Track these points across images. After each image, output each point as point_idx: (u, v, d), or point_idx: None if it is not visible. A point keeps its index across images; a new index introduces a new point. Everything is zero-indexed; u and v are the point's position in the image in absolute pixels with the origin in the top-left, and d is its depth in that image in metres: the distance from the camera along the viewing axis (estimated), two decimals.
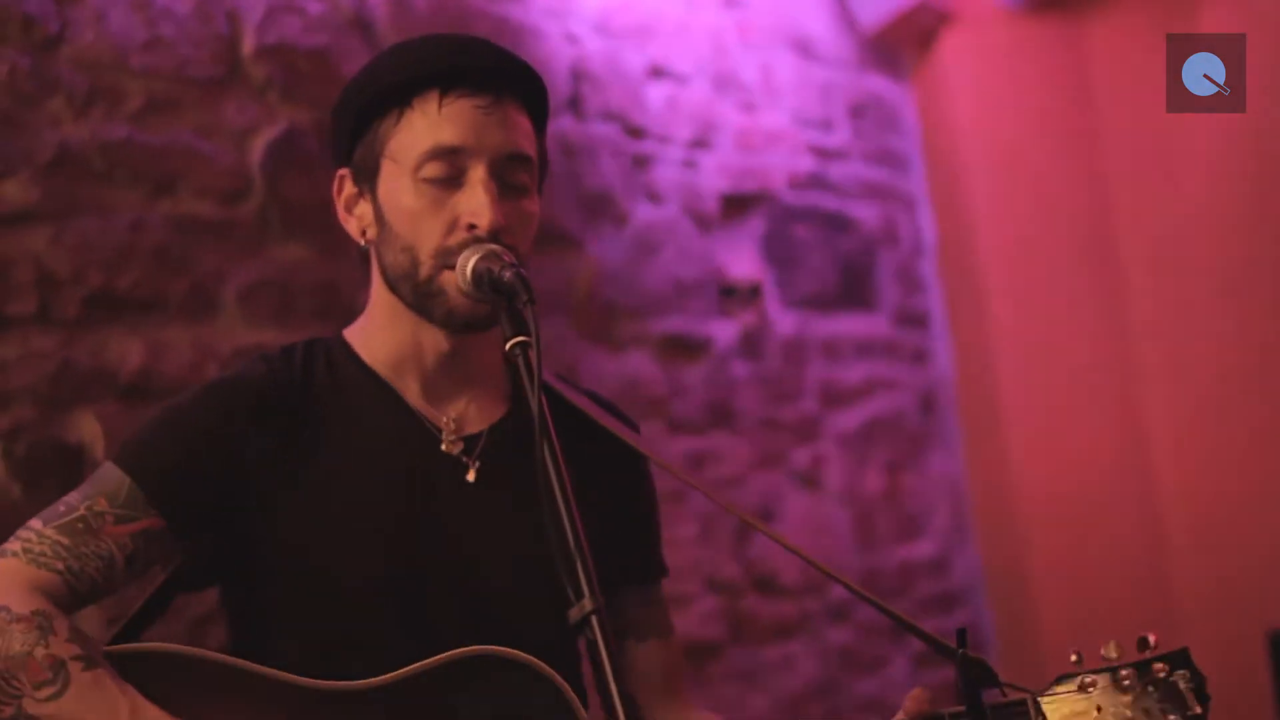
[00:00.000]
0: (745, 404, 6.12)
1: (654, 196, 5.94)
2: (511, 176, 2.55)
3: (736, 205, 6.27)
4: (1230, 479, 6.68)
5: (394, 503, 2.55)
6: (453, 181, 2.51)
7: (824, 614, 6.27)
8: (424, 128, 2.51)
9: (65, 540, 2.40)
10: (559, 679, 2.44)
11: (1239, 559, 6.47)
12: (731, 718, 3.63)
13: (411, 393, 2.63)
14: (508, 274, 2.35)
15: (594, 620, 2.08)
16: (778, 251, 6.41)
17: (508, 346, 2.29)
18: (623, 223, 5.77)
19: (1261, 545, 6.43)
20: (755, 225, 6.34)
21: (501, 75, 2.57)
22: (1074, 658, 2.54)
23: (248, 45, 4.69)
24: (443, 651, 2.43)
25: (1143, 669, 2.52)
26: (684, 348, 5.90)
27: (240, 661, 2.42)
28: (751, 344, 6.21)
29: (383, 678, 2.39)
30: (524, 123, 2.60)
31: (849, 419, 6.59)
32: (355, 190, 2.65)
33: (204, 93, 4.58)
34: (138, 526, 2.44)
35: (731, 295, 6.16)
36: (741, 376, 6.14)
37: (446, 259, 2.50)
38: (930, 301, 7.11)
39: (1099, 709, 2.51)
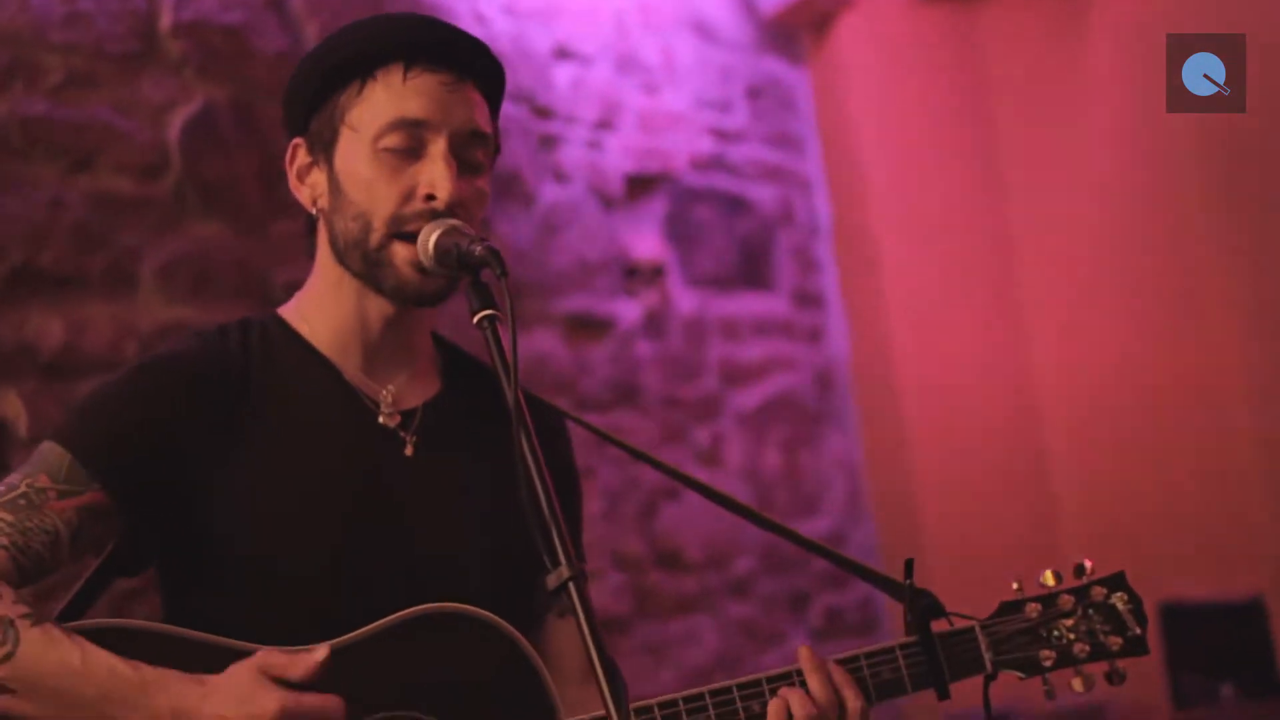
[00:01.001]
0: (649, 382, 6.18)
1: (560, 176, 5.99)
2: (468, 154, 2.57)
3: (640, 186, 6.34)
4: (1121, 451, 6.84)
5: (333, 476, 2.55)
6: (412, 153, 2.52)
7: (725, 589, 6.35)
8: (387, 99, 2.52)
9: (9, 517, 2.38)
10: (515, 632, 2.47)
11: (1129, 542, 6.62)
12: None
13: (351, 367, 2.63)
14: (478, 248, 2.36)
15: (571, 586, 2.10)
16: (679, 232, 6.48)
17: (476, 320, 2.28)
18: (530, 202, 5.82)
19: (1149, 524, 6.59)
20: (658, 206, 6.41)
21: (464, 54, 2.59)
22: (1015, 585, 2.63)
23: (165, 21, 4.70)
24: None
25: (1081, 593, 2.62)
26: (589, 327, 5.96)
27: (188, 631, 2.41)
28: (654, 323, 6.28)
29: (336, 640, 2.39)
30: (482, 102, 2.62)
31: (748, 398, 6.67)
32: (309, 159, 2.63)
33: (122, 69, 4.58)
34: (81, 501, 2.42)
35: (635, 275, 6.23)
36: (645, 355, 6.20)
37: (399, 227, 2.51)
38: (826, 282, 7.20)
39: (1041, 634, 2.60)
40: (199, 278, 4.66)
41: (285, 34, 4.96)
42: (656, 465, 2.81)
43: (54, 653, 2.28)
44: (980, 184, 7.29)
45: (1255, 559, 6.26)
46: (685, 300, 6.43)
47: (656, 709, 2.42)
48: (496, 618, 2.45)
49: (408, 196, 2.51)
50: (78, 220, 4.39)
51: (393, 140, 2.51)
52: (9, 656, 2.27)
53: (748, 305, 6.77)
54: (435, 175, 2.50)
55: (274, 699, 2.25)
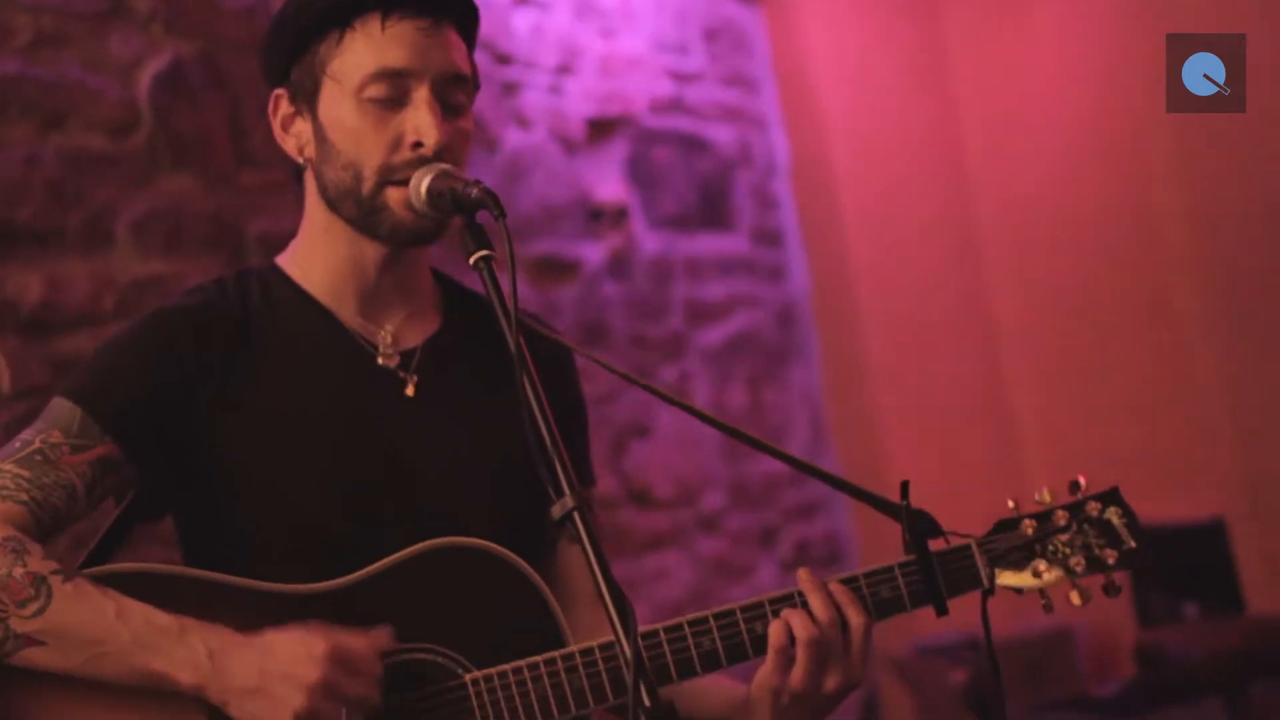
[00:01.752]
0: (616, 323, 6.25)
1: (523, 122, 6.04)
2: (450, 96, 2.59)
3: (601, 129, 6.39)
4: (1080, 377, 6.94)
5: (336, 419, 2.59)
6: (396, 102, 2.53)
7: (696, 525, 6.44)
8: (367, 49, 2.54)
9: (26, 473, 2.42)
10: (522, 563, 2.51)
11: (1091, 466, 6.71)
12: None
13: (348, 311, 2.66)
14: (474, 190, 2.39)
15: (576, 515, 2.15)
16: (640, 174, 6.54)
17: (472, 260, 2.33)
18: (494, 149, 5.87)
19: (1110, 448, 6.70)
20: (619, 149, 6.47)
21: None
22: (1011, 504, 2.66)
23: None
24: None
25: (1076, 509, 2.65)
26: (556, 269, 6.02)
27: (206, 573, 2.46)
28: (619, 264, 6.34)
29: (354, 575, 2.46)
30: (460, 43, 2.64)
31: (713, 335, 6.74)
32: (292, 109, 2.64)
33: (90, 26, 4.60)
34: (94, 454, 2.46)
35: (599, 218, 6.29)
36: (611, 296, 6.27)
37: (390, 175, 2.53)
38: (785, 220, 7.27)
39: (1037, 550, 2.63)
40: (173, 231, 4.70)
41: None
42: (668, 399, 2.84)
43: (87, 605, 2.33)
44: (937, 113, 7.38)
45: (1216, 481, 6.38)
46: (649, 241, 6.50)
47: (662, 633, 2.48)
48: (503, 550, 2.50)
49: (395, 145, 2.53)
50: (52, 178, 4.43)
51: (376, 90, 2.53)
52: (42, 610, 2.31)
53: (709, 245, 6.84)
54: (421, 123, 2.52)
55: (316, 666, 2.30)
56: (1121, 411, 6.72)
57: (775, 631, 2.47)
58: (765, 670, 2.49)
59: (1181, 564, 6.28)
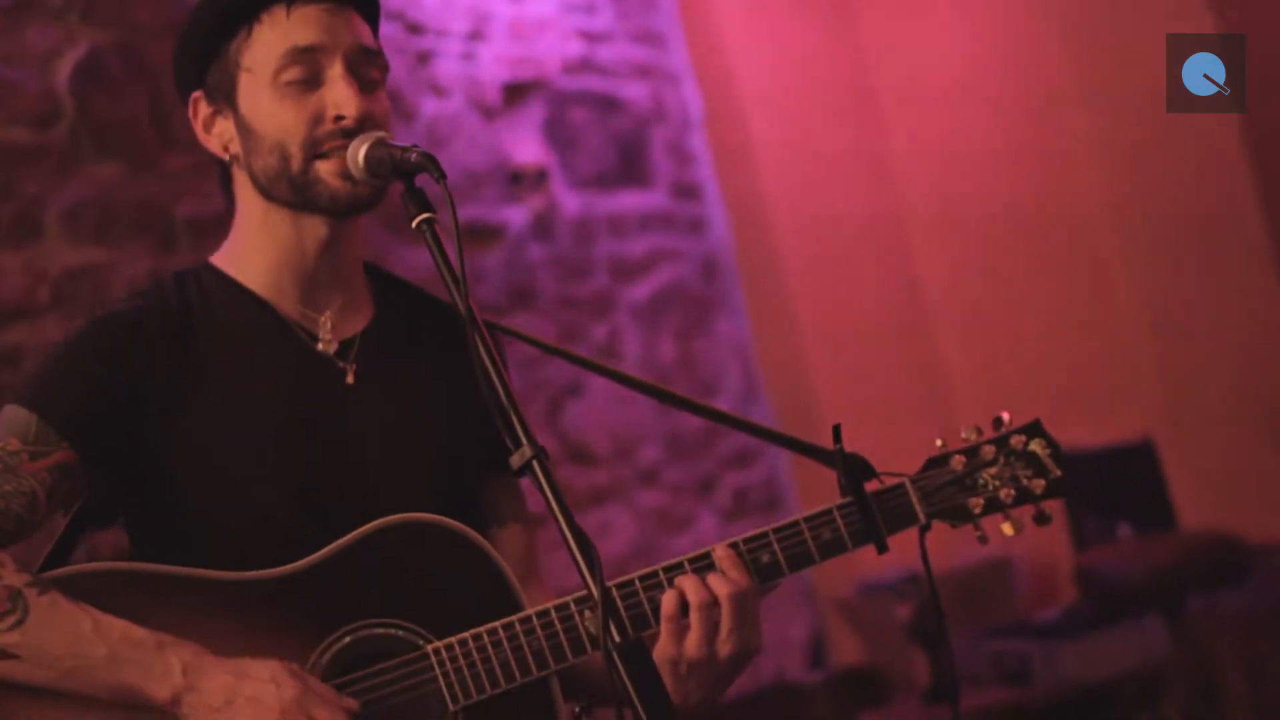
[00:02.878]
0: (543, 284, 6.30)
1: (439, 90, 6.07)
2: (364, 71, 2.62)
3: (516, 93, 6.43)
4: (1004, 309, 7.03)
5: (280, 409, 2.63)
6: (312, 81, 2.57)
7: (635, 479, 6.51)
8: (276, 36, 2.57)
9: None
10: (473, 533, 2.57)
11: (1019, 399, 6.82)
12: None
13: (288, 301, 2.68)
14: (413, 155, 2.41)
15: (536, 464, 2.21)
16: (558, 135, 6.59)
17: (415, 223, 2.36)
18: (411, 118, 5.91)
19: (1037, 378, 6.80)
20: (535, 111, 6.51)
21: None
22: (939, 442, 2.73)
23: None
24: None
25: (1002, 443, 2.73)
26: (481, 234, 6.07)
27: (168, 567, 2.50)
28: (543, 226, 6.39)
29: (310, 558, 2.50)
30: (364, 23, 2.67)
31: (639, 291, 6.80)
32: (211, 109, 2.66)
33: (5, 20, 4.61)
34: (52, 460, 2.49)
35: (520, 181, 6.33)
36: (537, 258, 6.32)
37: (316, 149, 2.56)
38: (702, 173, 7.32)
39: (968, 484, 2.70)
40: (102, 219, 4.73)
41: None
42: (599, 369, 2.89)
43: (64, 620, 2.36)
44: (846, 57, 7.43)
45: (1142, 401, 6.48)
46: (570, 201, 6.55)
47: (638, 582, 2.56)
48: (454, 522, 2.56)
49: (317, 120, 2.56)
50: None
51: (291, 73, 2.56)
52: (19, 624, 2.34)
53: (630, 202, 6.89)
54: (340, 96, 2.56)
55: (292, 685, 2.36)
56: (1046, 345, 6.82)
57: (667, 601, 2.53)
58: (661, 641, 2.53)
59: (1113, 486, 6.39)
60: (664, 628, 2.52)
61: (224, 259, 2.73)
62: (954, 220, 7.24)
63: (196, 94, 2.67)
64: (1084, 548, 6.43)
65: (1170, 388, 6.42)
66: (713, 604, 2.52)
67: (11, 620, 2.34)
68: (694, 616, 2.51)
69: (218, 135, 2.67)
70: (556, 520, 2.20)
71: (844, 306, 7.21)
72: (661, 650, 2.52)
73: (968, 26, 7.06)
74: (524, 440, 2.24)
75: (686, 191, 7.23)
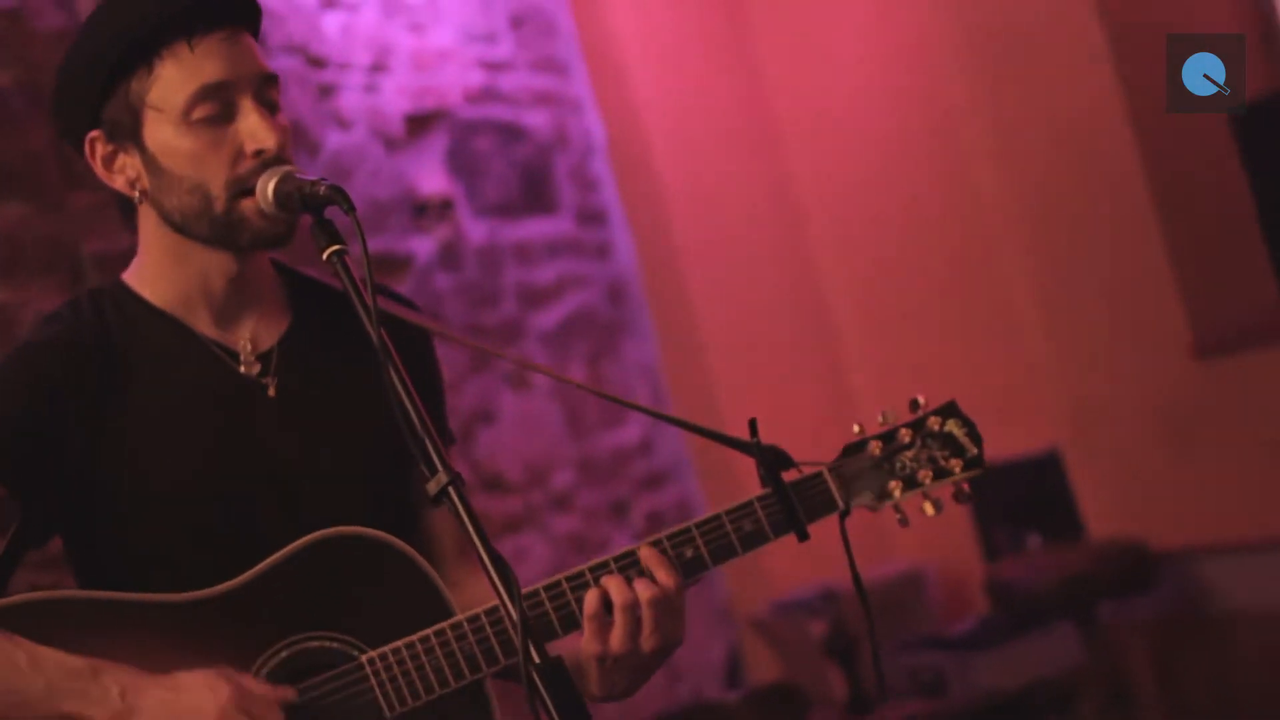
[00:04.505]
0: (451, 313, 6.31)
1: (342, 123, 6.08)
2: (267, 96, 2.62)
3: (419, 124, 6.45)
4: (906, 323, 7.10)
5: (204, 431, 2.63)
6: (223, 116, 2.56)
7: (548, 505, 6.53)
8: (182, 73, 2.55)
9: None
10: (402, 544, 2.60)
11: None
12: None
13: (203, 323, 2.68)
14: (321, 188, 2.43)
15: (452, 490, 2.23)
16: (462, 164, 6.61)
17: (325, 255, 2.37)
18: (315, 151, 5.91)
19: (943, 394, 6.86)
20: (438, 141, 6.53)
21: (230, 6, 2.63)
22: (856, 429, 2.78)
23: None
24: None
25: (918, 425, 2.79)
26: (387, 265, 6.07)
27: (101, 593, 2.52)
28: (449, 255, 6.40)
29: (243, 577, 2.53)
30: (255, 43, 2.66)
31: (547, 318, 6.83)
32: (112, 147, 2.62)
33: None
34: None
35: (425, 211, 6.35)
36: (444, 287, 6.33)
37: (239, 187, 2.56)
38: (607, 199, 7.36)
39: (886, 467, 2.76)
40: (9, 259, 4.71)
41: (62, 11, 4.99)
42: (533, 368, 2.92)
43: (1, 660, 2.37)
44: (744, 83, 7.50)
45: (1047, 413, 6.56)
46: (476, 230, 6.57)
47: (542, 592, 2.59)
48: (383, 534, 2.59)
49: (237, 157, 2.56)
50: None
51: (203, 111, 2.55)
52: None
53: (535, 229, 6.92)
54: (257, 130, 2.56)
55: (227, 688, 2.39)
56: (950, 359, 6.87)
57: (589, 600, 2.56)
58: (585, 638, 2.57)
59: (1021, 497, 6.47)
60: (587, 626, 2.55)
61: (135, 279, 2.72)
62: (856, 238, 7.32)
63: (93, 134, 2.62)
64: (994, 559, 6.50)
65: (1074, 398, 6.50)
66: (635, 605, 2.55)
67: None
68: (618, 616, 2.54)
69: (122, 172, 2.64)
70: (474, 545, 2.22)
71: (750, 326, 7.26)
72: (586, 646, 2.56)
73: (864, 49, 7.14)
74: (439, 467, 2.26)
75: (592, 217, 7.27)
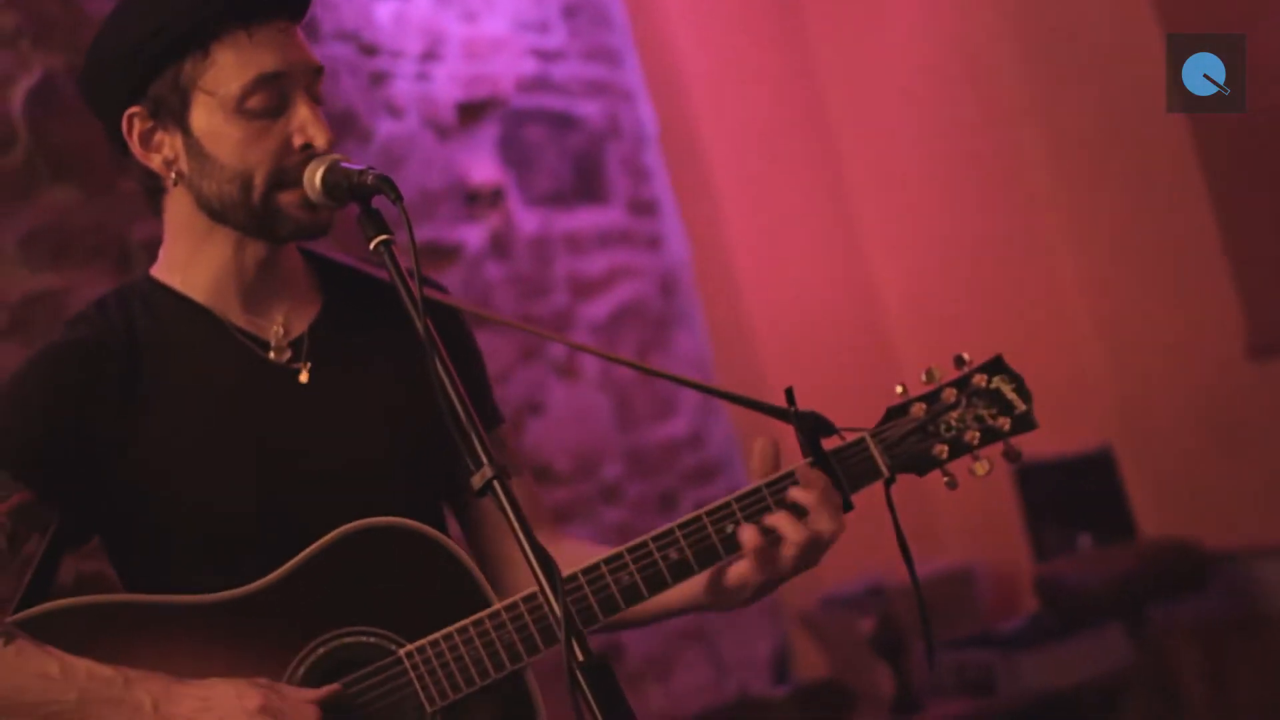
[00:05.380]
0: (501, 303, 6.30)
1: (394, 111, 6.07)
2: (316, 90, 2.62)
3: (471, 112, 6.43)
4: (957, 322, 7.05)
5: (236, 421, 2.61)
6: (276, 109, 2.55)
7: (597, 496, 6.51)
8: (239, 60, 2.54)
9: None
10: (438, 534, 2.57)
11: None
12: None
13: (233, 311, 2.66)
14: (369, 177, 2.41)
15: (496, 484, 2.20)
16: (513, 154, 6.59)
17: (372, 245, 2.35)
18: (367, 139, 5.90)
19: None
20: (490, 130, 6.51)
21: None
22: (899, 389, 2.69)
23: None
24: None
25: (963, 384, 2.68)
26: (438, 254, 6.06)
27: (135, 596, 2.53)
28: (500, 245, 6.39)
29: (277, 572, 2.50)
30: (306, 38, 2.65)
31: (597, 308, 6.81)
32: (152, 124, 2.59)
33: None
34: (10, 505, 2.48)
35: (476, 200, 6.34)
36: (494, 277, 6.32)
37: (281, 179, 2.54)
38: (659, 189, 7.33)
39: (931, 429, 2.66)
40: (59, 245, 4.71)
41: None
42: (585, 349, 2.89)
43: (30, 666, 2.36)
44: (797, 70, 7.45)
45: (1098, 411, 6.50)
46: (527, 220, 6.56)
47: (580, 576, 2.55)
48: (417, 524, 2.56)
49: (285, 150, 2.55)
50: None
51: (257, 100, 2.54)
52: None
53: (586, 219, 6.90)
54: (308, 124, 2.55)
55: (257, 696, 2.37)
56: (1002, 354, 6.82)
57: (750, 536, 2.53)
58: (745, 569, 2.55)
59: (1072, 496, 6.42)
60: (752, 559, 2.53)
61: (164, 271, 2.70)
62: (907, 231, 7.27)
63: (134, 110, 2.59)
64: (1044, 558, 6.45)
65: (1126, 397, 6.44)
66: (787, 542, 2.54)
67: None
68: (791, 550, 2.53)
69: (159, 151, 2.61)
70: (517, 538, 2.19)
71: (802, 319, 7.22)
72: (743, 575, 2.56)
73: (917, 36, 7.08)
74: (484, 460, 2.24)
75: (643, 208, 7.24)
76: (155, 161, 2.62)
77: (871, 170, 7.36)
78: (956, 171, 7.02)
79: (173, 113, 2.58)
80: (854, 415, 6.75)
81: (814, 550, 2.56)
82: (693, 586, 2.64)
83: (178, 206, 2.65)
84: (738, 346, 7.23)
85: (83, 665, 2.37)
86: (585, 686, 2.11)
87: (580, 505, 6.40)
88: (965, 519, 6.71)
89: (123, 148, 2.64)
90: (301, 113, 2.57)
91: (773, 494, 2.59)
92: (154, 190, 2.68)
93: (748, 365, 7.18)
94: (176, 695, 2.37)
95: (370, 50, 6.02)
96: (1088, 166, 6.42)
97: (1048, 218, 6.65)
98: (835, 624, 6.39)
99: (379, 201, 2.42)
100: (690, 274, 7.32)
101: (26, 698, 2.35)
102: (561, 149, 6.86)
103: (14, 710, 2.35)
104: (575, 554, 2.61)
